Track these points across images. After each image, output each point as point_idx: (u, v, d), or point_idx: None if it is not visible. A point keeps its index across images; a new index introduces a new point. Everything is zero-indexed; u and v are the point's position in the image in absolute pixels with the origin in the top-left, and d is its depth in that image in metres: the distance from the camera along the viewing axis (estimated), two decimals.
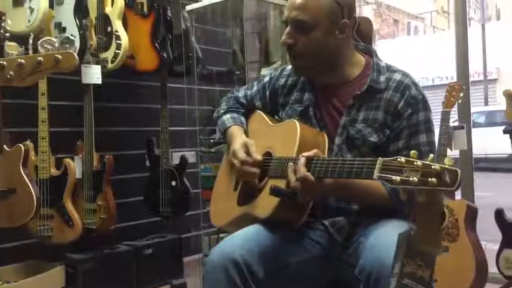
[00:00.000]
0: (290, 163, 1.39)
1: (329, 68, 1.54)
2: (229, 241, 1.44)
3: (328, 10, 1.47)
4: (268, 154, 1.59)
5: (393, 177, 1.11)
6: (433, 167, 1.07)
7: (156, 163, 2.91)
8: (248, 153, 1.57)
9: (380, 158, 1.17)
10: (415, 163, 1.09)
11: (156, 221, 3.03)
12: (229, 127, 1.72)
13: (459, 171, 1.05)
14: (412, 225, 1.33)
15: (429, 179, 1.06)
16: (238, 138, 1.65)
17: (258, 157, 1.56)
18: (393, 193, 1.42)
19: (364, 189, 1.41)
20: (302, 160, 1.35)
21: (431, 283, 1.17)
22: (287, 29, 1.51)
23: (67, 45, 1.26)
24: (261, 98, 1.76)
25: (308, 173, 1.33)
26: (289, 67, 1.71)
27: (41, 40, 1.26)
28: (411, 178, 1.09)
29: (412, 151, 1.13)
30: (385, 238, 1.32)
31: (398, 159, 1.13)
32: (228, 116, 1.76)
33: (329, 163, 1.32)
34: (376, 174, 1.16)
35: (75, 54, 1.25)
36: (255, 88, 1.79)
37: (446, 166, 1.07)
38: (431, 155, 1.11)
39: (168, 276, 2.89)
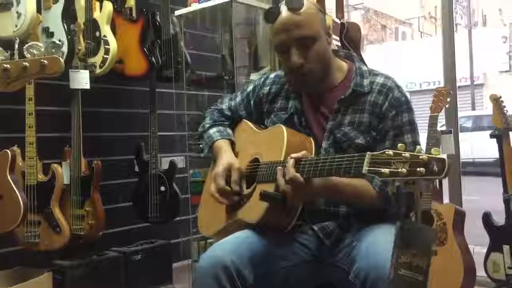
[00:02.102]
0: (279, 167, 1.39)
1: (324, 76, 1.55)
2: (219, 247, 1.43)
3: (319, 19, 1.50)
4: (255, 160, 1.59)
5: (383, 170, 1.12)
6: (420, 157, 1.09)
7: (145, 168, 2.90)
8: (229, 178, 1.55)
9: (368, 152, 1.18)
10: (402, 154, 1.11)
11: (145, 226, 3.02)
12: (215, 141, 1.70)
13: (446, 158, 1.07)
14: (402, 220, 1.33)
15: (418, 169, 1.08)
16: (224, 156, 1.62)
17: (236, 188, 1.54)
18: (382, 192, 1.43)
19: (354, 190, 1.42)
20: (291, 162, 1.35)
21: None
22: (294, 51, 1.47)
23: (53, 50, 1.25)
24: (245, 107, 1.75)
25: (297, 174, 1.33)
26: (272, 75, 1.71)
27: (27, 45, 1.25)
28: (400, 170, 1.10)
29: (399, 144, 1.14)
30: (379, 242, 1.33)
31: (386, 152, 1.14)
32: (214, 129, 1.74)
33: (318, 162, 1.33)
34: (365, 168, 1.17)
35: (61, 59, 1.24)
36: (238, 98, 1.78)
37: (433, 155, 1.08)
38: (418, 147, 1.13)
39: (157, 282, 2.88)
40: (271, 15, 1.51)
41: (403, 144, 1.13)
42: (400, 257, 1.16)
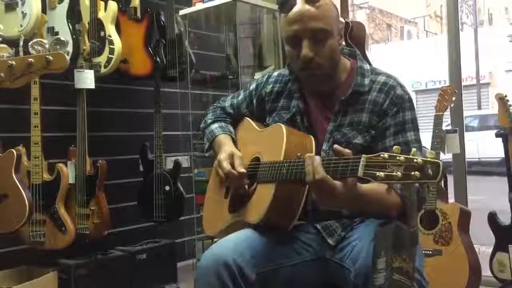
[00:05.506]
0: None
1: (331, 74, 1.53)
2: (220, 245, 1.43)
3: (334, 14, 1.48)
4: (256, 159, 1.59)
5: (377, 173, 1.12)
6: (415, 160, 1.08)
7: (150, 167, 2.91)
8: (232, 164, 1.54)
9: (363, 155, 1.17)
10: (397, 157, 1.10)
11: (149, 226, 3.03)
12: (217, 135, 1.70)
13: (441, 163, 1.07)
14: (396, 221, 1.32)
15: (412, 173, 1.08)
16: (225, 148, 1.62)
17: (241, 170, 1.53)
18: (404, 197, 1.37)
19: (378, 199, 1.34)
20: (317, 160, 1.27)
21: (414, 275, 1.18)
22: (306, 42, 1.43)
23: (58, 46, 1.25)
24: (248, 105, 1.75)
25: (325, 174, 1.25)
26: (276, 73, 1.70)
27: (31, 41, 1.25)
28: (394, 173, 1.09)
29: (395, 146, 1.13)
30: None
31: (381, 155, 1.13)
32: (216, 125, 1.74)
33: None
34: (360, 171, 1.16)
35: (66, 55, 1.24)
36: (241, 96, 1.78)
37: (428, 159, 1.08)
38: (413, 149, 1.12)
39: (162, 281, 2.88)
40: (287, 5, 1.46)
41: (398, 147, 1.12)
42: (394, 261, 1.15)
